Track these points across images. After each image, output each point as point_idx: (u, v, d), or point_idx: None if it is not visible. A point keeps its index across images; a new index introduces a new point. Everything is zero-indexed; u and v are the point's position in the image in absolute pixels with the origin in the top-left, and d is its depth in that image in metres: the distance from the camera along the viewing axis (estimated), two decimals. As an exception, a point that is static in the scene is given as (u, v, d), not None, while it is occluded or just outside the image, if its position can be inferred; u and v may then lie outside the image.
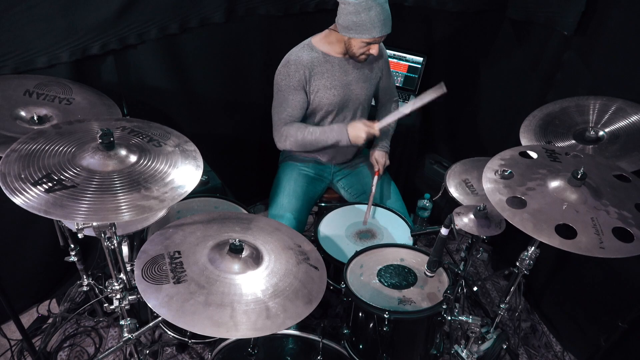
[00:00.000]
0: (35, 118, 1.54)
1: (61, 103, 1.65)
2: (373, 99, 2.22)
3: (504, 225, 1.69)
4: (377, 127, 1.91)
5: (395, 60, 2.72)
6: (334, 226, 1.93)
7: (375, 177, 2.06)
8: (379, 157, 2.12)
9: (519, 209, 1.32)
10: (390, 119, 1.94)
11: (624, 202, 1.32)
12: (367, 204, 2.05)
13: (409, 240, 1.85)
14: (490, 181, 1.42)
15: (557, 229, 1.25)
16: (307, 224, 2.15)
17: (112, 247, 1.29)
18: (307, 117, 2.04)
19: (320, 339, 1.53)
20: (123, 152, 1.23)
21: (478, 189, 1.92)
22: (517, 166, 1.46)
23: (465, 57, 2.68)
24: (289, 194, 2.06)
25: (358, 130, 1.91)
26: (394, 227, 1.94)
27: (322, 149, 2.10)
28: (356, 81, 2.00)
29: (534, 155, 1.52)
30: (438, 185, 2.60)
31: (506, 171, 1.43)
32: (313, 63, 1.90)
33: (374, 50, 1.85)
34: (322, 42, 1.95)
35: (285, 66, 1.91)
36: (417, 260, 1.64)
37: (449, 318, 1.44)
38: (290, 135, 1.98)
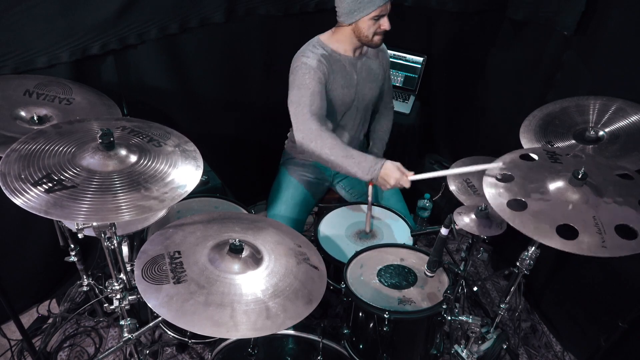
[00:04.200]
0: (35, 118, 1.54)
1: (61, 103, 1.65)
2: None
3: (505, 225, 1.68)
4: (410, 178, 1.68)
5: (395, 60, 2.72)
6: (334, 226, 1.93)
7: (370, 187, 2.03)
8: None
9: (519, 211, 1.32)
10: (428, 175, 1.70)
11: (627, 200, 1.31)
12: (367, 203, 2.05)
13: (409, 240, 1.85)
14: (490, 185, 1.42)
15: (559, 230, 1.25)
16: (307, 224, 2.15)
17: (112, 247, 1.29)
18: None
19: (320, 339, 1.53)
20: (123, 152, 1.23)
21: (479, 188, 1.92)
22: (518, 169, 1.46)
23: (465, 57, 2.68)
24: (286, 201, 2.05)
25: (389, 175, 1.68)
26: (394, 227, 1.94)
27: None
28: (364, 81, 1.97)
29: (534, 157, 1.52)
30: (438, 185, 2.61)
31: (506, 174, 1.43)
32: (328, 60, 1.84)
33: (385, 24, 1.76)
34: (330, 41, 1.89)
35: (305, 63, 1.78)
36: (417, 260, 1.64)
37: (449, 318, 1.44)
38: (322, 140, 1.73)
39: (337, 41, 1.89)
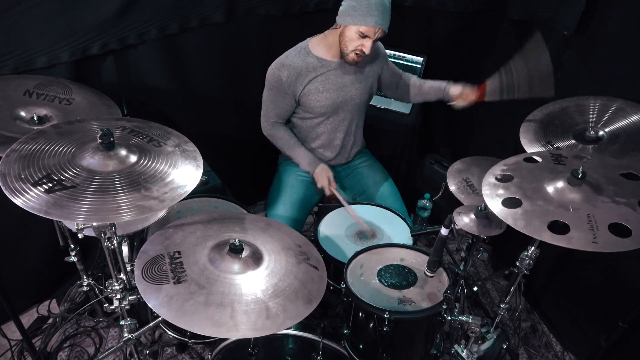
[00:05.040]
0: (35, 118, 1.54)
1: (61, 103, 1.65)
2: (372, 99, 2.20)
3: (504, 225, 1.68)
4: (334, 190, 2.00)
5: (395, 60, 2.72)
6: (334, 226, 1.93)
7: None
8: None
9: (514, 209, 1.32)
10: (342, 201, 1.97)
11: (627, 200, 1.31)
12: (367, 204, 2.05)
13: (409, 240, 1.85)
14: (488, 184, 1.42)
15: (550, 226, 1.25)
16: (307, 224, 2.15)
17: (112, 247, 1.29)
18: (302, 117, 2.04)
19: (320, 339, 1.53)
20: (123, 152, 1.23)
21: (478, 188, 1.92)
22: (520, 170, 1.46)
23: (465, 57, 2.68)
24: (284, 201, 2.06)
25: (321, 178, 2.01)
26: (394, 227, 1.94)
27: (323, 147, 2.10)
28: (352, 83, 1.98)
29: (538, 159, 1.51)
30: (438, 185, 2.61)
31: (506, 174, 1.43)
32: (308, 68, 1.90)
33: (366, 47, 1.80)
34: (318, 46, 1.94)
35: (279, 69, 1.91)
36: (417, 260, 1.64)
37: (449, 318, 1.45)
38: (272, 137, 2.09)
39: (325, 46, 1.93)
